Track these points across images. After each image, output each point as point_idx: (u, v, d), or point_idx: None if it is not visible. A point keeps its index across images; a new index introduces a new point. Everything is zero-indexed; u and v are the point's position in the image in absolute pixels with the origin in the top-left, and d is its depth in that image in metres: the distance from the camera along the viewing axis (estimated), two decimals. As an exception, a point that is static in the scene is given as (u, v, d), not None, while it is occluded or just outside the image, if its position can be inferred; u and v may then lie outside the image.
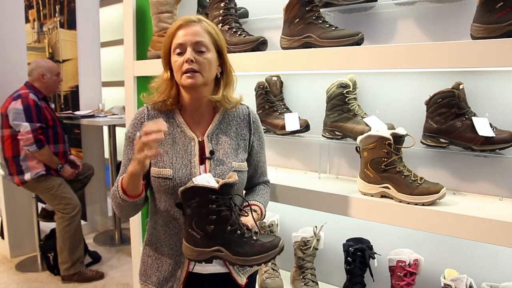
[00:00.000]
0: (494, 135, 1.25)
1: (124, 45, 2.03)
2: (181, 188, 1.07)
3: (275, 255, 1.08)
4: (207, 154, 1.20)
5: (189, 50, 1.14)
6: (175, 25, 1.18)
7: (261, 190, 1.32)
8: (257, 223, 1.17)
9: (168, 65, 1.21)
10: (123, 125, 3.22)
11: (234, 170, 1.20)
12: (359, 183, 1.41)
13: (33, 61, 2.93)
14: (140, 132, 1.03)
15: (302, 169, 1.82)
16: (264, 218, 1.29)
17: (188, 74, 1.14)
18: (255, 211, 1.20)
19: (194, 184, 1.05)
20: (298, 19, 1.49)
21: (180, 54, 1.16)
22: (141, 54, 2.02)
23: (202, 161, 1.20)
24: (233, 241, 1.06)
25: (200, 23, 1.17)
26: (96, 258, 3.18)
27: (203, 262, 1.10)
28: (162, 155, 1.19)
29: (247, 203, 1.23)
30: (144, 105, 1.27)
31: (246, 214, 1.15)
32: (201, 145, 1.21)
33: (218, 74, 1.22)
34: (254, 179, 1.33)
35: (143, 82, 1.98)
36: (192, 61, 1.13)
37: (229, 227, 1.06)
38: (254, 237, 1.08)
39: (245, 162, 1.26)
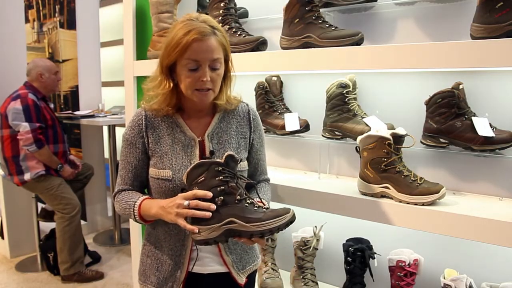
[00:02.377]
0: (494, 135, 1.25)
1: (124, 45, 2.03)
2: (187, 170, 1.08)
3: (289, 219, 1.03)
4: (207, 154, 1.20)
5: (206, 69, 1.09)
6: (188, 36, 1.07)
7: (262, 187, 1.31)
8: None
9: (171, 74, 1.15)
10: (123, 125, 3.21)
11: None
12: (359, 183, 1.41)
13: (31, 61, 2.93)
14: (189, 201, 1.03)
15: (302, 169, 1.82)
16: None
17: (202, 93, 1.12)
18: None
19: (199, 161, 1.08)
20: (298, 19, 1.49)
21: (193, 70, 1.10)
22: (141, 54, 2.02)
23: None
24: (245, 209, 1.03)
25: (214, 35, 1.10)
26: (96, 258, 3.17)
27: (217, 243, 1.05)
28: (161, 156, 1.19)
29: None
30: (142, 106, 1.25)
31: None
32: (201, 145, 1.20)
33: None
34: (254, 177, 1.32)
35: (143, 82, 1.98)
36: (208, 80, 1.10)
37: (239, 197, 1.05)
38: (265, 208, 1.07)
39: (246, 161, 1.26)
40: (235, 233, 1.04)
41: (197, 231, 1.03)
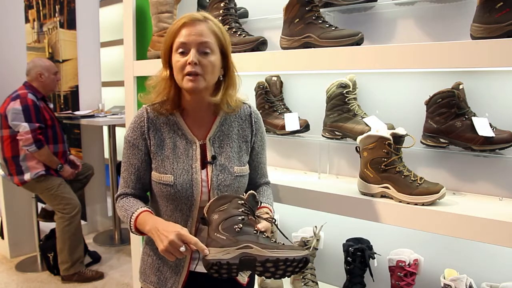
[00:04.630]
0: (494, 135, 1.25)
1: (124, 45, 2.03)
2: (210, 201, 1.10)
3: (304, 255, 0.99)
4: (209, 158, 1.18)
5: (193, 51, 1.09)
6: (179, 22, 1.12)
7: (265, 191, 1.29)
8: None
9: (168, 63, 1.17)
10: (123, 125, 3.21)
11: (236, 176, 1.19)
12: (359, 183, 1.41)
13: (30, 61, 2.93)
14: (185, 247, 1.01)
15: (302, 169, 1.82)
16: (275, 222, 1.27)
17: (190, 77, 1.10)
18: (270, 219, 1.15)
19: (222, 194, 1.13)
20: (298, 19, 1.49)
21: (182, 53, 1.11)
22: (141, 54, 2.02)
23: (203, 165, 1.18)
24: (261, 239, 1.02)
25: (205, 22, 1.13)
26: (96, 258, 3.18)
27: (230, 267, 0.99)
28: (163, 159, 1.17)
29: (260, 205, 1.20)
30: (143, 107, 1.23)
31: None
32: (203, 149, 1.19)
33: (221, 76, 1.18)
34: (254, 180, 1.31)
35: (143, 82, 1.98)
36: (195, 63, 1.09)
37: (256, 231, 1.04)
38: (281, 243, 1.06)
39: (247, 165, 1.25)
40: (249, 259, 0.99)
41: (207, 252, 1.00)
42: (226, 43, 1.16)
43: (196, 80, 1.10)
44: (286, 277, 1.04)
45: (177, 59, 1.12)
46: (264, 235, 1.04)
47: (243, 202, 1.09)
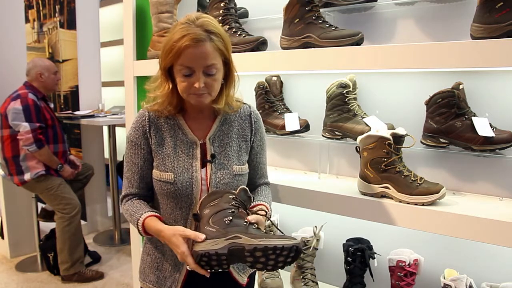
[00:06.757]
0: (494, 135, 1.25)
1: (124, 45, 2.03)
2: (202, 198, 1.11)
3: (295, 243, 0.97)
4: (209, 157, 1.19)
5: (200, 75, 1.08)
6: (181, 42, 1.05)
7: (263, 190, 1.30)
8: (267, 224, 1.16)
9: (169, 77, 1.15)
10: (123, 125, 3.21)
11: (235, 174, 1.19)
12: (359, 183, 1.41)
13: (30, 60, 2.93)
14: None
15: (302, 169, 1.82)
16: (270, 218, 1.28)
17: (197, 94, 1.11)
18: (265, 215, 1.16)
19: (213, 190, 1.14)
20: (298, 19, 1.49)
21: (187, 76, 1.09)
22: (141, 54, 2.02)
23: (203, 164, 1.19)
24: (251, 230, 1.02)
25: (209, 40, 1.08)
26: (96, 258, 3.18)
27: (219, 258, 1.00)
28: (163, 158, 1.18)
29: (255, 203, 1.21)
30: (145, 107, 1.24)
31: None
32: (203, 148, 1.20)
33: (222, 81, 1.17)
34: (254, 180, 1.31)
35: (143, 82, 1.98)
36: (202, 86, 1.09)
37: (246, 222, 1.04)
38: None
39: (246, 164, 1.25)
40: (238, 248, 0.98)
41: (202, 237, 1.01)
42: (229, 52, 1.14)
43: (203, 97, 1.12)
44: (280, 269, 1.03)
45: (182, 79, 1.10)
46: (254, 226, 1.04)
47: (234, 196, 1.10)
